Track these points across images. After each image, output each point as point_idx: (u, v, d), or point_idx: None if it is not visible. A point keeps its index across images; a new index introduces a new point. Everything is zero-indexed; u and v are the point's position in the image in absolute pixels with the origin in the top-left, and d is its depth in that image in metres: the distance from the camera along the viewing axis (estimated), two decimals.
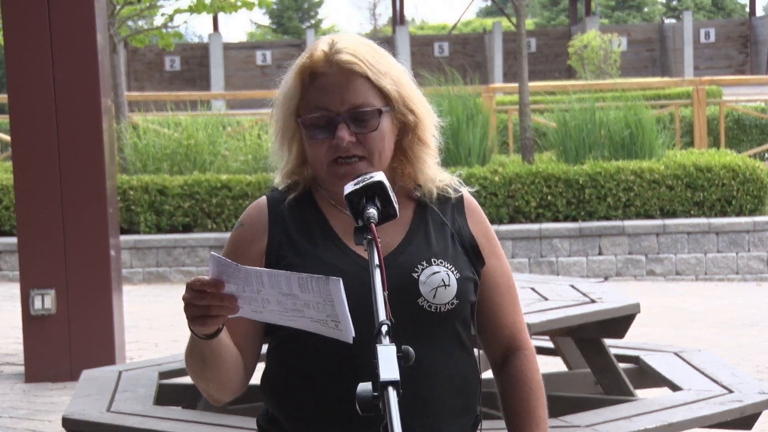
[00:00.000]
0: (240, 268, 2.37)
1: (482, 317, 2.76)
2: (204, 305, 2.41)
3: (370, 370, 2.25)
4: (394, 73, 2.68)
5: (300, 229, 2.69)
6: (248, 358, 2.67)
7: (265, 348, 2.75)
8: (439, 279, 2.63)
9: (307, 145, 2.66)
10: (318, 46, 2.67)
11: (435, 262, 2.65)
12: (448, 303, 2.63)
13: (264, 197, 2.77)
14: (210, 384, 2.62)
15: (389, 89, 2.66)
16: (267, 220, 2.72)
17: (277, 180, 2.77)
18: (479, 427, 2.74)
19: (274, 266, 2.65)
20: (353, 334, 2.36)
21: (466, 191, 2.80)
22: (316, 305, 2.36)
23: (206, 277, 2.40)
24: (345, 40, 2.68)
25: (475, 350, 2.75)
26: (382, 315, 2.32)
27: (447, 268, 2.65)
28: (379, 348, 2.26)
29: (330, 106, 2.63)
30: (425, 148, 2.72)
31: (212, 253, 2.41)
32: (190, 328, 2.47)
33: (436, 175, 2.74)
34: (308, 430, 2.63)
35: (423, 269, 2.64)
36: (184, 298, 2.42)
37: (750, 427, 5.35)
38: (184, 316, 2.45)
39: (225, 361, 2.57)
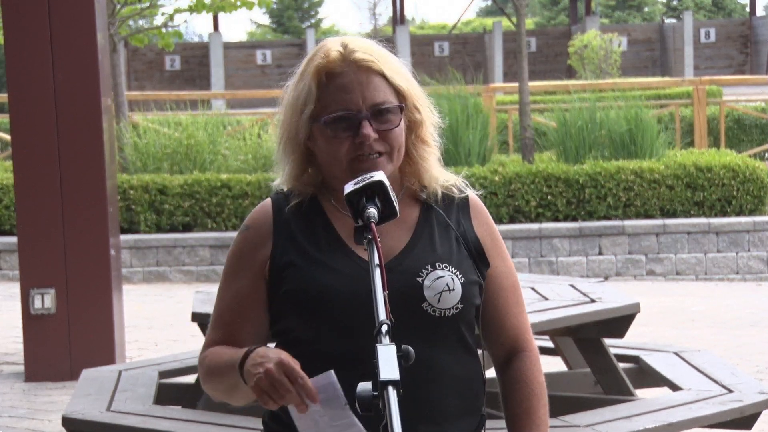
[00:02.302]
0: (340, 404, 2.44)
1: (486, 318, 2.75)
2: (285, 391, 2.43)
3: (375, 372, 2.25)
4: (403, 71, 2.70)
5: (304, 233, 2.69)
6: None
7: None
8: (444, 283, 2.63)
9: (326, 144, 2.65)
10: (331, 48, 2.67)
11: (439, 266, 2.65)
12: (452, 307, 2.63)
13: (269, 200, 2.76)
14: (229, 399, 2.66)
15: (403, 87, 2.67)
16: (272, 224, 2.71)
17: (279, 181, 2.76)
18: (484, 427, 2.74)
19: (278, 270, 2.67)
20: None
21: (471, 192, 2.79)
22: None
23: (310, 385, 2.42)
24: (356, 40, 2.69)
25: (479, 351, 2.75)
26: (382, 315, 2.32)
27: (451, 272, 2.65)
28: (379, 348, 2.26)
29: (351, 104, 2.63)
30: (427, 148, 2.72)
31: (333, 377, 2.43)
32: (252, 389, 2.48)
33: (440, 174, 2.74)
34: None
35: (427, 273, 2.64)
36: (267, 371, 2.43)
37: (750, 427, 5.35)
38: (256, 382, 2.46)
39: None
